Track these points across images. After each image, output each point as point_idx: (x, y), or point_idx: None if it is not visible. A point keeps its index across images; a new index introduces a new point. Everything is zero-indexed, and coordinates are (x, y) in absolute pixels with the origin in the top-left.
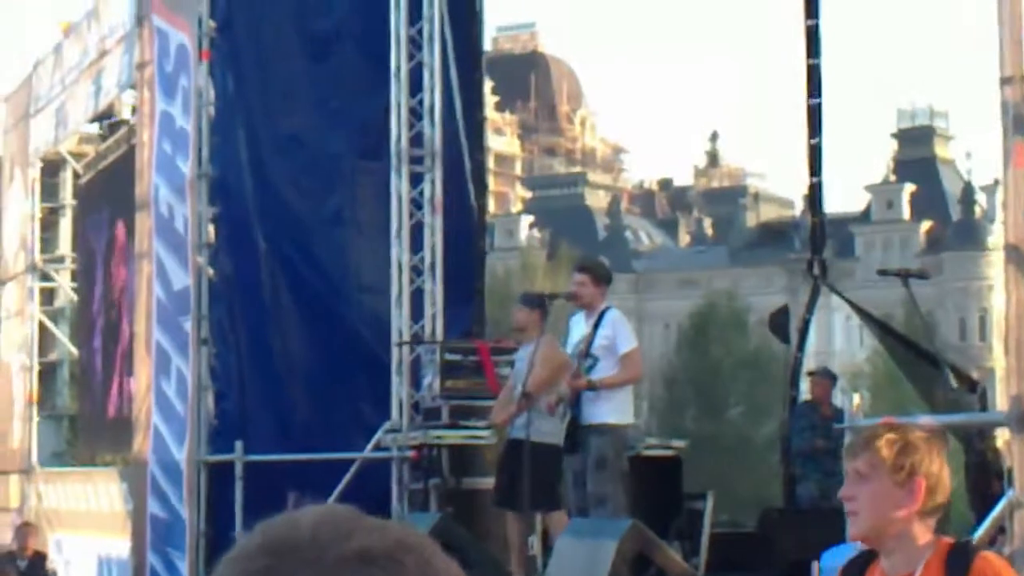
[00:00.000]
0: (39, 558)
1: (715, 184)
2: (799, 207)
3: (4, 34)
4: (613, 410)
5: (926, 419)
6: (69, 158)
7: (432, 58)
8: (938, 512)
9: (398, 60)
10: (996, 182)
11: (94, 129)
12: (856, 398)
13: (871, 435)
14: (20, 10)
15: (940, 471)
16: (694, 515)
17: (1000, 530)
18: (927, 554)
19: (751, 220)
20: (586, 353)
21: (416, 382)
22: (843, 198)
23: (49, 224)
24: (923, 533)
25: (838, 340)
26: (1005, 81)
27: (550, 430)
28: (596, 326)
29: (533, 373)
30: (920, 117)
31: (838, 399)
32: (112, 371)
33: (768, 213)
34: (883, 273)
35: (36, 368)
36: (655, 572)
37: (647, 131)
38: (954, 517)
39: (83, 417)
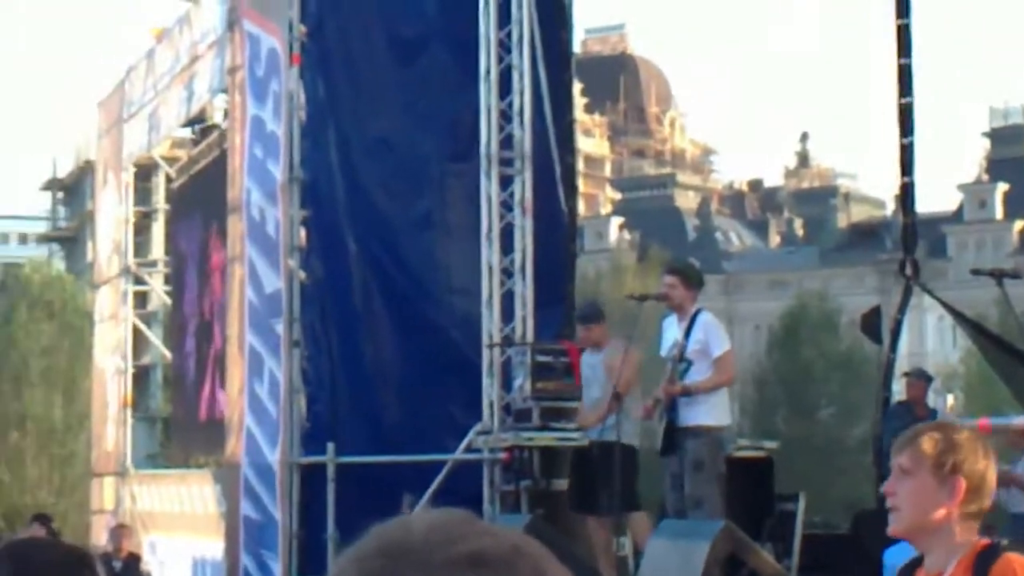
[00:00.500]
0: (133, 560)
1: (805, 185)
2: (890, 207)
3: (98, 40)
4: (709, 412)
5: (1022, 420)
6: (162, 162)
7: (521, 60)
8: (981, 514)
9: (488, 63)
10: None
11: (186, 133)
12: (950, 399)
13: (916, 432)
14: (113, 17)
15: (985, 472)
16: (786, 516)
17: None
18: (960, 553)
19: (842, 220)
20: (680, 357)
21: (507, 384)
22: (935, 198)
23: (142, 228)
24: (962, 533)
25: (931, 341)
26: None
27: (631, 431)
28: (689, 329)
29: (623, 377)
30: (1013, 116)
31: (932, 400)
32: (205, 374)
33: (859, 213)
34: (976, 273)
35: (130, 371)
36: (747, 573)
37: (737, 132)
38: None
39: (176, 420)
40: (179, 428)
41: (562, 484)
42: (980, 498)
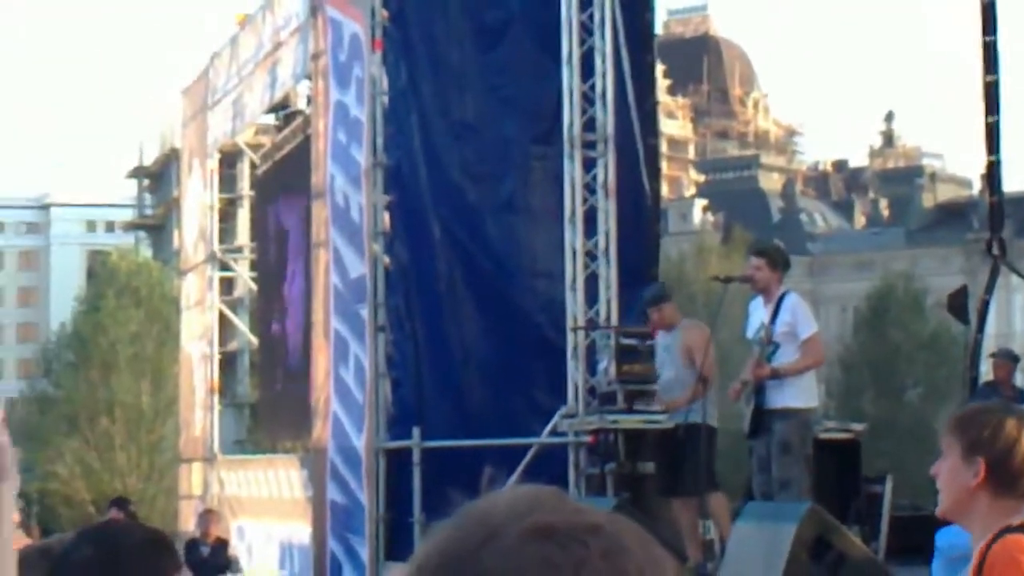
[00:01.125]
0: (221, 544)
1: (891, 165)
2: (977, 186)
3: (182, 28)
4: (797, 394)
5: None
6: (246, 149)
7: (603, 43)
8: (1017, 499)
9: (570, 45)
10: None
11: (270, 120)
12: None
13: (954, 414)
14: (197, 4)
15: (1021, 465)
16: (873, 499)
17: None
18: (984, 539)
19: (928, 200)
20: (768, 340)
21: (591, 367)
22: (1022, 176)
23: (227, 215)
24: (996, 513)
25: (1019, 321)
26: None
27: (713, 412)
28: (775, 312)
29: (705, 360)
30: None
31: (1020, 381)
32: (291, 360)
33: (945, 193)
34: None
35: (216, 357)
36: (835, 556)
37: (821, 112)
38: None
39: (263, 405)
40: (266, 413)
41: (647, 467)
42: (1014, 487)
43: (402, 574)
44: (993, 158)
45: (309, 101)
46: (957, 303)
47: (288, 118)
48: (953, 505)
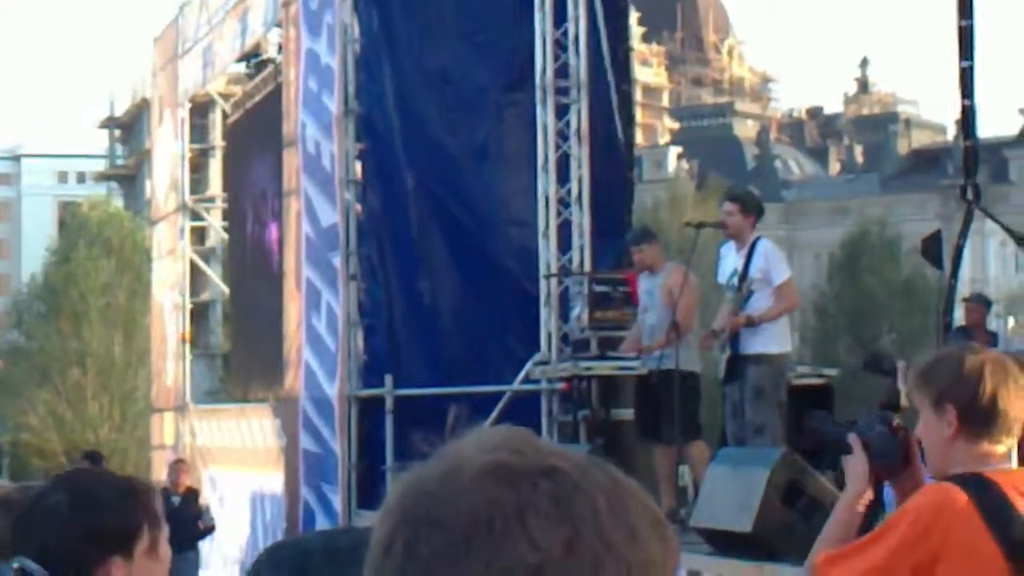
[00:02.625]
0: (192, 494)
1: (865, 111)
2: (952, 132)
3: None
4: (771, 340)
5: None
6: (218, 98)
7: None
8: (1003, 452)
9: None
10: None
11: (241, 69)
12: (1011, 321)
13: (921, 367)
14: None
15: (993, 399)
16: (847, 444)
17: None
18: None
19: (903, 147)
20: (740, 286)
21: (565, 314)
22: (997, 122)
23: (199, 165)
24: (973, 462)
25: (992, 267)
26: None
27: (692, 358)
28: (749, 258)
29: (681, 305)
30: None
31: (993, 325)
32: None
33: (920, 139)
34: None
35: (188, 307)
36: (808, 501)
37: (796, 59)
38: None
39: (235, 355)
40: (238, 363)
41: (621, 413)
42: (989, 428)
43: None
44: (967, 103)
45: (280, 49)
46: (931, 248)
47: (259, 66)
48: (938, 463)
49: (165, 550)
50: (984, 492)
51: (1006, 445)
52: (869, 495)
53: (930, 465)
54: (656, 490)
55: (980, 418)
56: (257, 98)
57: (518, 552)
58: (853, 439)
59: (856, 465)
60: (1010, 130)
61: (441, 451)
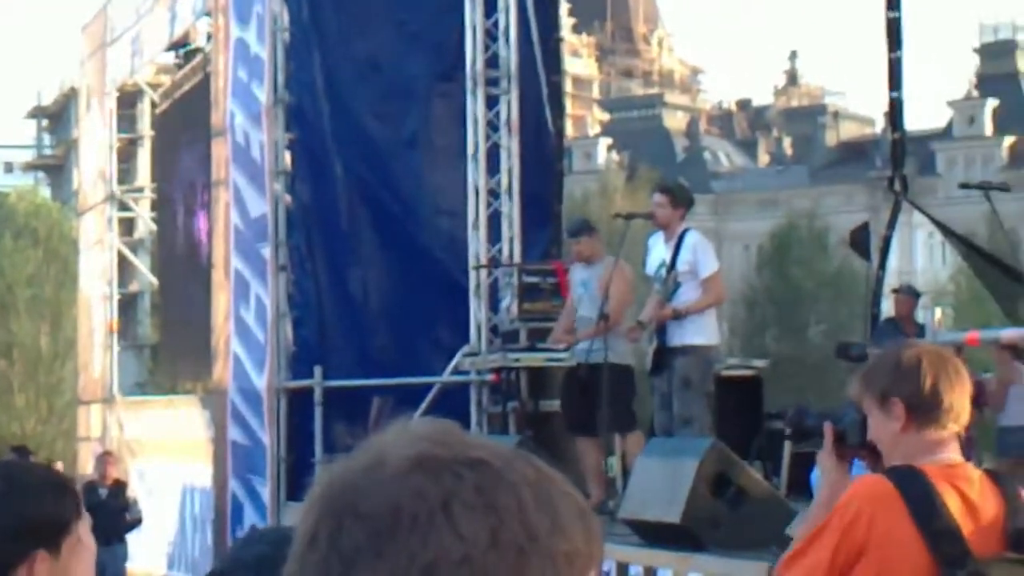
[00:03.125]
0: (119, 486)
1: (794, 103)
2: (880, 125)
3: None
4: (699, 331)
5: (1010, 332)
6: (146, 88)
7: None
8: (946, 439)
9: None
10: None
11: (170, 58)
12: (938, 312)
13: (861, 371)
14: None
15: (935, 390)
16: (775, 435)
17: None
18: None
19: (831, 139)
20: (672, 283)
21: (494, 305)
22: (925, 115)
23: (127, 155)
24: (924, 451)
25: (920, 258)
26: None
27: (623, 351)
28: (676, 249)
29: (613, 297)
30: (1003, 31)
31: (920, 316)
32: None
33: (848, 131)
34: (965, 187)
35: (116, 297)
36: (736, 491)
37: (725, 51)
38: None
39: (164, 346)
40: (167, 354)
41: (550, 405)
42: (936, 416)
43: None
44: (895, 95)
45: (209, 38)
46: (859, 239)
47: (188, 56)
48: (894, 457)
49: (89, 542)
50: (912, 483)
51: (952, 430)
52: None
53: (886, 460)
54: (584, 482)
55: (926, 407)
56: (186, 88)
57: (443, 544)
58: (827, 430)
59: (825, 459)
60: (938, 123)
61: (365, 443)
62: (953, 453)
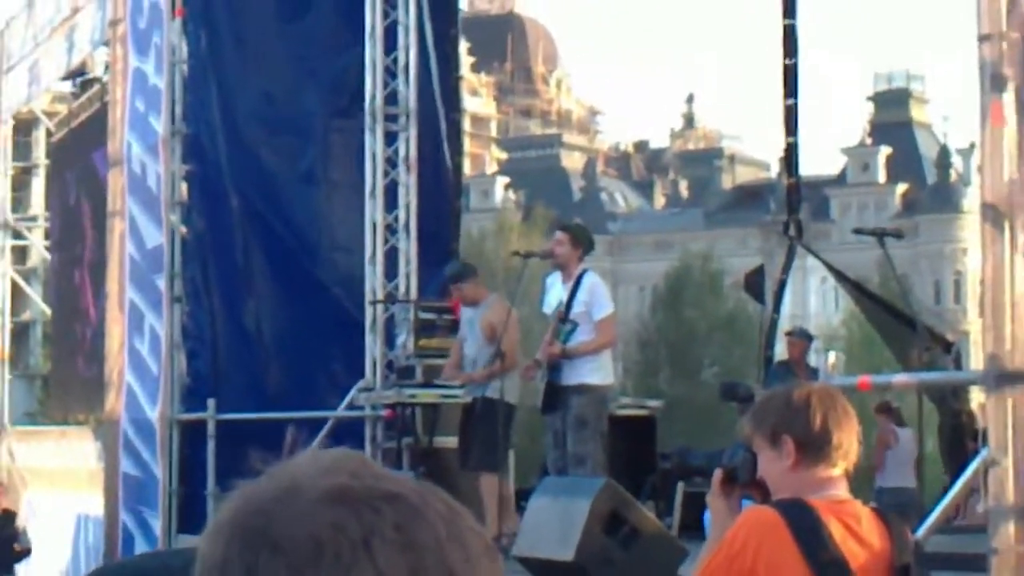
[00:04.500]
0: (8, 516)
1: (691, 146)
2: (775, 169)
3: None
4: (594, 371)
5: (901, 377)
6: (42, 116)
7: (407, 16)
8: (835, 478)
9: (373, 18)
10: (972, 145)
11: (67, 87)
12: (831, 357)
13: (750, 412)
14: None
15: (825, 428)
16: (668, 475)
17: (973, 490)
18: None
19: (727, 182)
20: (564, 318)
21: (390, 341)
22: (819, 161)
23: (22, 183)
24: (813, 487)
25: (813, 303)
26: (983, 38)
27: (512, 389)
28: (574, 290)
29: (505, 340)
30: (897, 80)
31: (813, 360)
32: (85, 330)
33: (744, 175)
34: (859, 232)
35: (8, 326)
36: (629, 530)
37: (623, 93)
38: (930, 479)
39: (56, 376)
40: (59, 384)
41: (444, 441)
42: (825, 453)
43: (205, 530)
44: (791, 140)
45: (107, 68)
46: (753, 282)
47: (85, 85)
48: (783, 494)
49: None
50: (799, 514)
51: (841, 468)
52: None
53: (775, 496)
54: (480, 517)
55: (815, 445)
56: (82, 117)
57: None
58: (715, 475)
59: (713, 501)
60: (832, 169)
61: (273, 470)
62: (841, 491)
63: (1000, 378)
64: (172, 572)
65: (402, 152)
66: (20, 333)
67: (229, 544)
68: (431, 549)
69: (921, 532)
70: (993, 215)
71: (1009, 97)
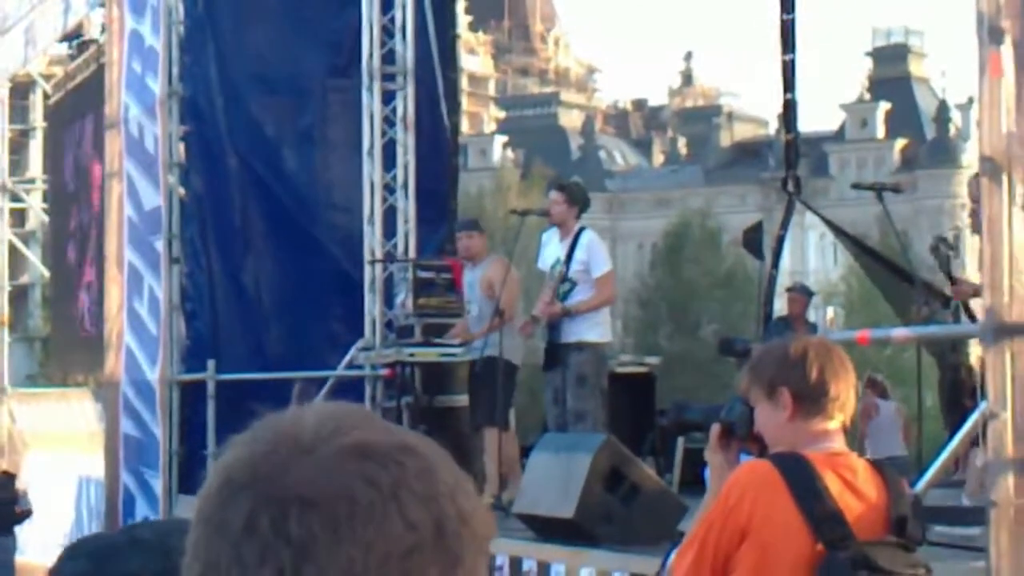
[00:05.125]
0: (8, 478)
1: (689, 104)
2: (774, 126)
3: None
4: (593, 328)
5: (901, 331)
6: (39, 79)
7: None
8: (832, 431)
9: None
10: (970, 100)
11: (64, 49)
12: (830, 311)
13: (748, 364)
14: None
15: (822, 381)
16: (667, 431)
17: (973, 443)
18: None
19: (725, 139)
20: (564, 277)
21: (389, 300)
22: (818, 117)
23: (19, 146)
24: (808, 440)
25: (812, 259)
26: None
27: (514, 348)
28: (571, 249)
29: (504, 297)
30: (895, 35)
31: (812, 316)
32: (85, 291)
33: (742, 132)
34: (857, 187)
35: (7, 289)
36: (629, 487)
37: (621, 51)
38: (929, 434)
39: (55, 339)
40: (58, 346)
41: (444, 400)
42: (821, 405)
43: (207, 487)
44: (789, 96)
45: (103, 30)
46: (752, 239)
47: (82, 47)
48: (778, 447)
49: None
50: (795, 467)
51: (838, 420)
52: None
53: (771, 449)
54: (482, 475)
55: (812, 397)
56: (79, 79)
57: (395, 533)
58: (713, 430)
59: (712, 456)
60: (830, 126)
61: (271, 425)
62: (838, 443)
63: (998, 331)
64: (141, 540)
65: (400, 111)
66: (19, 296)
67: (254, 503)
68: (447, 496)
69: (920, 486)
70: (991, 168)
71: (1007, 49)
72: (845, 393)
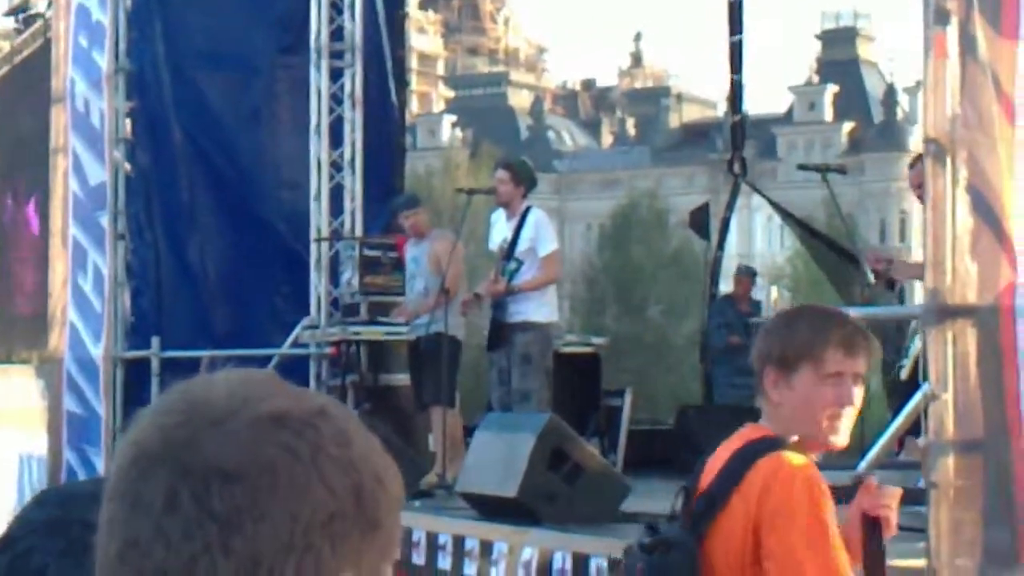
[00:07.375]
0: None
1: (638, 85)
2: (722, 108)
3: None
4: (538, 308)
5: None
6: None
7: None
8: None
9: None
10: (918, 84)
11: (9, 24)
12: (774, 291)
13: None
14: None
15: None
16: (612, 412)
17: (914, 425)
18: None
19: (674, 121)
20: (509, 256)
21: (335, 278)
22: (767, 100)
23: None
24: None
25: (759, 241)
26: None
27: (456, 325)
28: (519, 228)
29: (449, 272)
30: (844, 18)
31: (761, 296)
32: (27, 268)
33: (691, 114)
34: (803, 167)
35: None
36: (572, 466)
37: (571, 31)
38: (870, 418)
39: None
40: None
41: (389, 379)
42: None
43: (117, 462)
44: (736, 77)
45: (50, 3)
46: (698, 219)
47: (28, 21)
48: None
49: None
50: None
51: None
52: None
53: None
54: (427, 454)
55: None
56: (25, 53)
57: (318, 500)
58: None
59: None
60: (779, 108)
61: (179, 394)
62: None
63: (941, 312)
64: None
65: (347, 88)
66: None
67: (172, 477)
68: (363, 459)
69: (862, 466)
70: (935, 149)
71: (952, 31)
72: None
